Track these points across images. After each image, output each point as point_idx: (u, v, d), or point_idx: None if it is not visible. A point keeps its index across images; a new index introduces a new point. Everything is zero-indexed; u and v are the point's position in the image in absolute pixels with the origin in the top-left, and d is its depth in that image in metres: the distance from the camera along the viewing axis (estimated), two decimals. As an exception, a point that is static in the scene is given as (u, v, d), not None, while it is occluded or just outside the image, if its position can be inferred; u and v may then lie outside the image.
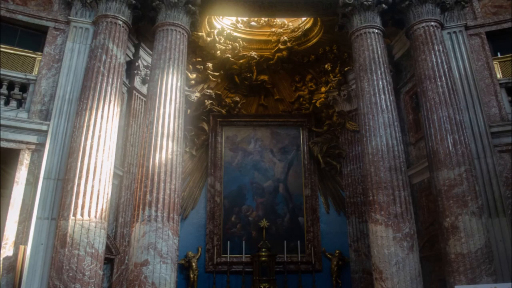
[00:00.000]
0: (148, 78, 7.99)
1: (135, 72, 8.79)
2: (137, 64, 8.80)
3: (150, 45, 8.45)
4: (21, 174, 6.49)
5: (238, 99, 11.67)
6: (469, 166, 6.68)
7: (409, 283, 6.16)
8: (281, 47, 11.48)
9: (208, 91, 11.29)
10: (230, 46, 11.32)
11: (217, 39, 11.01)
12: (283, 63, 11.96)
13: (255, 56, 11.71)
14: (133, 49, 8.80)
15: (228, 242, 10.18)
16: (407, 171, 7.49)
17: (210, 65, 11.40)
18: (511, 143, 7.03)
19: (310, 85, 12.02)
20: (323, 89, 11.74)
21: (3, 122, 6.64)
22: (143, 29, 8.55)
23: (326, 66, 11.47)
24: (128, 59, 8.41)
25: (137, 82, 8.83)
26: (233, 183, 10.87)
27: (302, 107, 11.91)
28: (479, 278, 6.09)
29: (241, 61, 11.76)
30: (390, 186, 6.71)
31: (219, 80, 11.75)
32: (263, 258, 9.89)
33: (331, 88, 11.43)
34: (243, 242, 10.21)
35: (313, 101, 11.84)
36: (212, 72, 11.53)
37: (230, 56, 11.47)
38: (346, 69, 11.17)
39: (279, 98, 12.13)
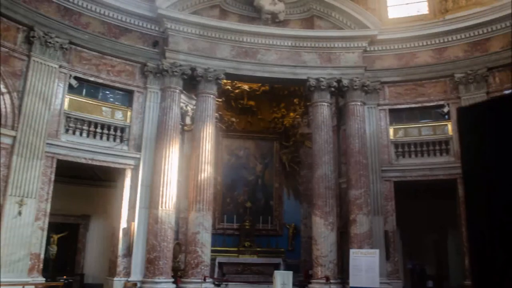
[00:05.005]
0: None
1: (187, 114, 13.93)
2: (186, 109, 13.91)
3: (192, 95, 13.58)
4: (127, 183, 11.75)
5: (234, 119, 16.99)
6: (367, 188, 12.65)
7: (329, 247, 12.21)
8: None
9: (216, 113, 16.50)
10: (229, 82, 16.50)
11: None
12: (266, 93, 17.33)
13: (246, 88, 16.99)
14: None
15: (225, 215, 15.88)
16: (339, 179, 13.41)
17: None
18: (392, 176, 13.05)
19: (283, 110, 17.54)
20: (291, 115, 17.31)
21: (113, 152, 11.76)
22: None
23: (295, 100, 17.02)
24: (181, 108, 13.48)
25: (187, 121, 13.96)
26: (229, 177, 16.43)
27: (276, 126, 17.43)
28: (363, 246, 12.19)
29: (236, 91, 17.00)
30: (324, 196, 12.58)
31: (221, 103, 16.96)
32: (247, 226, 15.71)
33: (297, 115, 17.04)
34: (234, 216, 15.94)
35: (284, 123, 17.41)
36: (217, 99, 16.69)
37: (229, 87, 16.68)
38: (308, 103, 16.71)
39: (261, 117, 17.55)
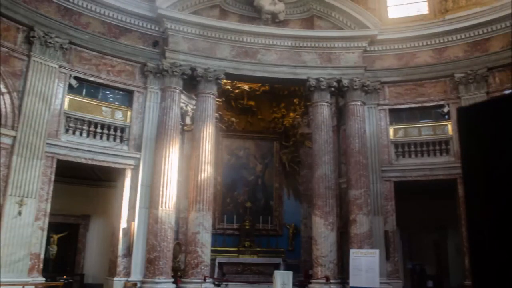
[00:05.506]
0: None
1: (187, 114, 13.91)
2: (186, 109, 13.89)
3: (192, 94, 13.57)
4: (127, 183, 11.75)
5: (234, 119, 16.96)
6: (367, 188, 12.65)
7: (329, 247, 12.21)
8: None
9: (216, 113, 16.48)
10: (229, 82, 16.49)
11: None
12: (266, 93, 17.31)
13: (246, 88, 16.97)
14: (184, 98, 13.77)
15: (225, 215, 15.86)
16: (339, 179, 13.40)
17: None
18: (392, 176, 13.05)
19: (283, 110, 17.52)
20: (291, 115, 17.30)
21: (113, 152, 11.75)
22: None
23: (295, 100, 17.01)
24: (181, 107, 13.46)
25: (187, 121, 13.95)
26: (229, 177, 16.41)
27: (276, 126, 17.40)
28: (363, 246, 12.18)
29: (236, 91, 16.99)
30: (324, 196, 12.58)
31: (221, 103, 16.94)
32: (247, 226, 15.70)
33: (297, 115, 17.02)
34: (234, 216, 15.92)
35: (284, 123, 17.39)
36: (217, 99, 16.68)
37: (229, 87, 16.66)
38: (308, 103, 16.69)
39: (261, 117, 17.54)
